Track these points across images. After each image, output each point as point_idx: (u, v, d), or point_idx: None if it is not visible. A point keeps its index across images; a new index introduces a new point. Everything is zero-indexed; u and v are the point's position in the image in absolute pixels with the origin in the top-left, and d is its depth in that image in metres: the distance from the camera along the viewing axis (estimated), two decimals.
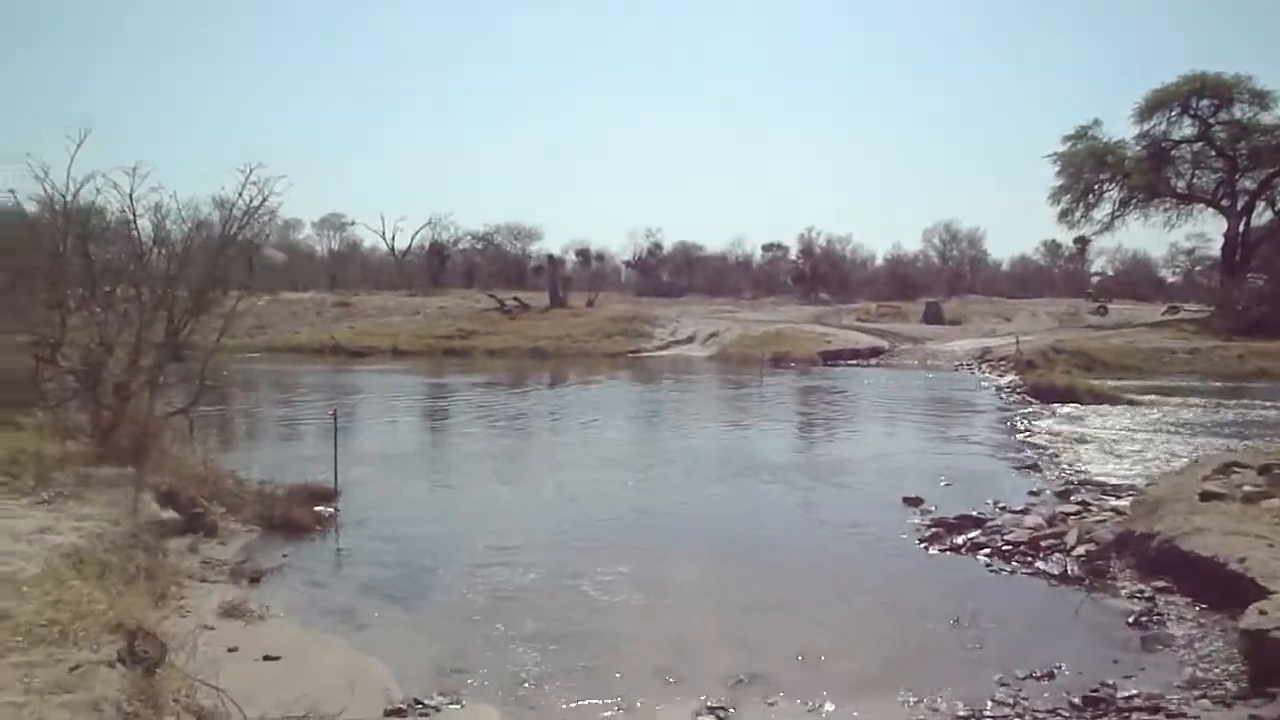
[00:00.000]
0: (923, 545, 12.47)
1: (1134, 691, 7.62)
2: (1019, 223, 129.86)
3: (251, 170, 14.23)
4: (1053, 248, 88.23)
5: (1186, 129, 56.82)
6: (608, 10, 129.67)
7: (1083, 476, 17.15)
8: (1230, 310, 48.72)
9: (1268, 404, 29.05)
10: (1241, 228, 55.83)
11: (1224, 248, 57.61)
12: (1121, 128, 63.39)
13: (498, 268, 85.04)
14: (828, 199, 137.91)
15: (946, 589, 10.58)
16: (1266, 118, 54.90)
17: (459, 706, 7.41)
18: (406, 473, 17.77)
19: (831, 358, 44.36)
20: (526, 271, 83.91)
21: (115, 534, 9.67)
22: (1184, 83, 55.24)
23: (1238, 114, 55.19)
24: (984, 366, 40.47)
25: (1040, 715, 7.31)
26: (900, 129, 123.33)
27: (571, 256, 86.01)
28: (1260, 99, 54.42)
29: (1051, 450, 20.47)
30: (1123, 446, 21.12)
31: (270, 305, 65.88)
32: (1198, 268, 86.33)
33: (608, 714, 7.33)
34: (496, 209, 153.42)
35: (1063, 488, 16.07)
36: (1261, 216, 57.00)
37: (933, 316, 57.63)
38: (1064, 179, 58.74)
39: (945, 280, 79.97)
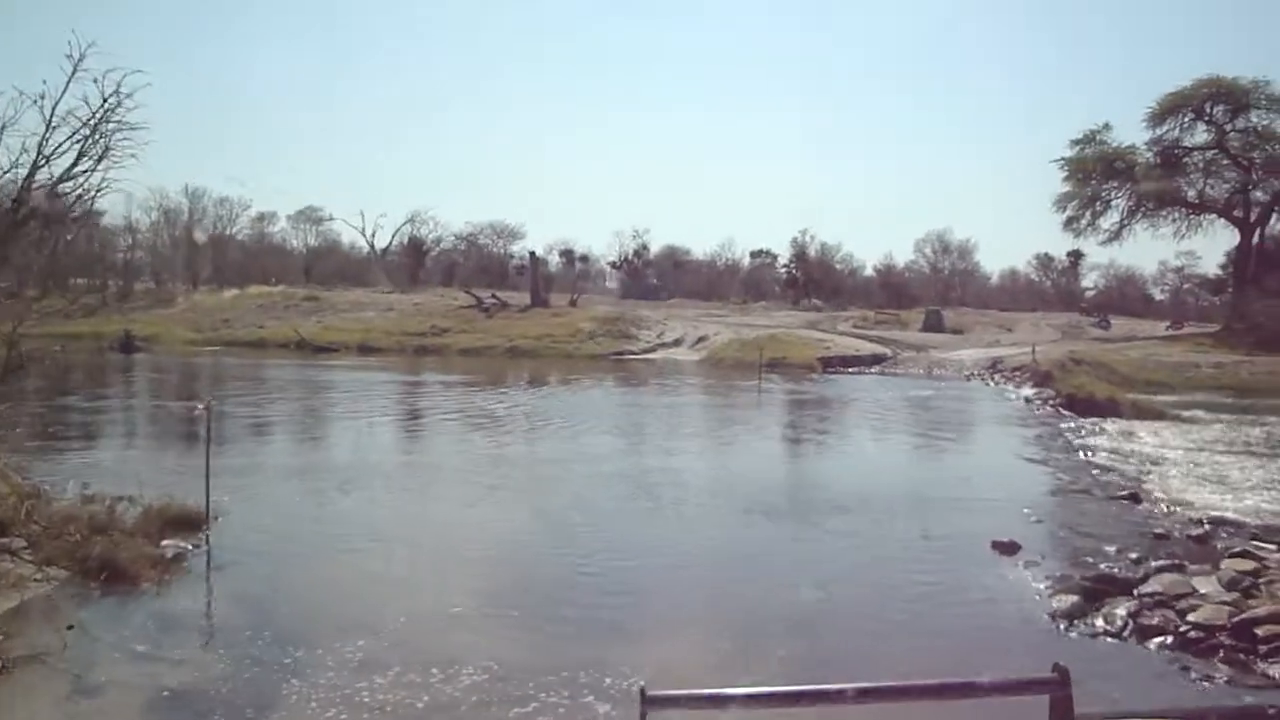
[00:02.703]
0: (1059, 625, 8.05)
1: None
2: (1010, 236, 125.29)
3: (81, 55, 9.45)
4: (1045, 261, 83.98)
5: (1200, 135, 52.59)
6: (598, 8, 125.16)
7: (1200, 511, 12.86)
8: (1245, 325, 44.67)
9: None
10: (1255, 240, 51.74)
11: (1236, 260, 53.43)
12: (1126, 134, 59.43)
13: (479, 267, 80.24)
14: (818, 207, 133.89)
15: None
16: None
17: None
18: (321, 492, 13.21)
19: (831, 364, 40.20)
20: (508, 271, 79.12)
21: None
22: (1199, 86, 51.07)
23: (1254, 120, 51.05)
24: (998, 377, 36.29)
25: None
26: (894, 137, 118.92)
27: (555, 257, 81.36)
28: (1278, 105, 50.26)
29: (1130, 473, 16.31)
30: (1207, 470, 17.26)
31: (237, 299, 61.84)
32: (1186, 285, 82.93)
33: None
34: (480, 207, 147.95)
35: (1188, 527, 11.72)
36: (1275, 228, 52.96)
37: (934, 325, 53.31)
38: (1071, 185, 54.32)
39: (936, 291, 75.72)
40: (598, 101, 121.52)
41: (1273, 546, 10.68)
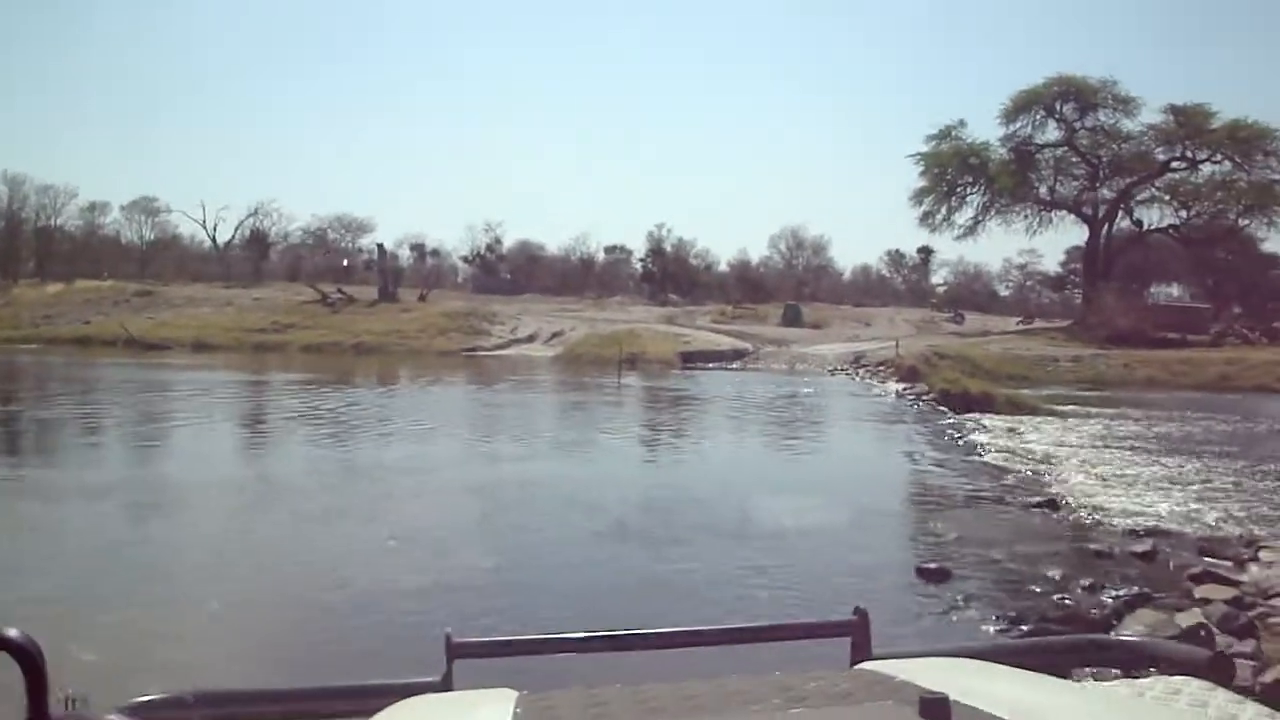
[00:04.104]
0: None
1: None
2: (861, 232, 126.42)
3: None
4: (896, 258, 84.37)
5: (1051, 133, 52.80)
6: (445, 2, 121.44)
7: (1124, 518, 11.22)
8: (1098, 319, 44.74)
9: (1198, 415, 24.90)
10: (1103, 236, 52.20)
11: (1086, 256, 53.82)
12: (980, 130, 59.23)
13: (327, 262, 76.07)
14: (672, 202, 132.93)
15: None
16: (1129, 124, 51.36)
17: None
18: (93, 518, 10.45)
19: (691, 359, 38.49)
20: (357, 265, 75.17)
21: None
22: (1050, 84, 51.21)
23: (1102, 119, 51.44)
24: (862, 372, 35.04)
25: None
26: (747, 133, 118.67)
27: (406, 251, 77.67)
28: (1124, 105, 50.74)
29: (1029, 475, 14.76)
30: (1105, 469, 15.96)
31: (62, 293, 57.04)
32: (1029, 282, 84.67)
33: None
34: (326, 199, 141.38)
35: (1127, 541, 9.98)
36: (1122, 225, 53.57)
37: (792, 319, 52.10)
38: (927, 180, 53.96)
39: (791, 287, 75.05)
40: (449, 95, 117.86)
41: (1228, 563, 9.04)
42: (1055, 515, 11.49)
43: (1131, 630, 6.81)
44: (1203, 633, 7.04)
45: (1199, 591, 7.82)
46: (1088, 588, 8.14)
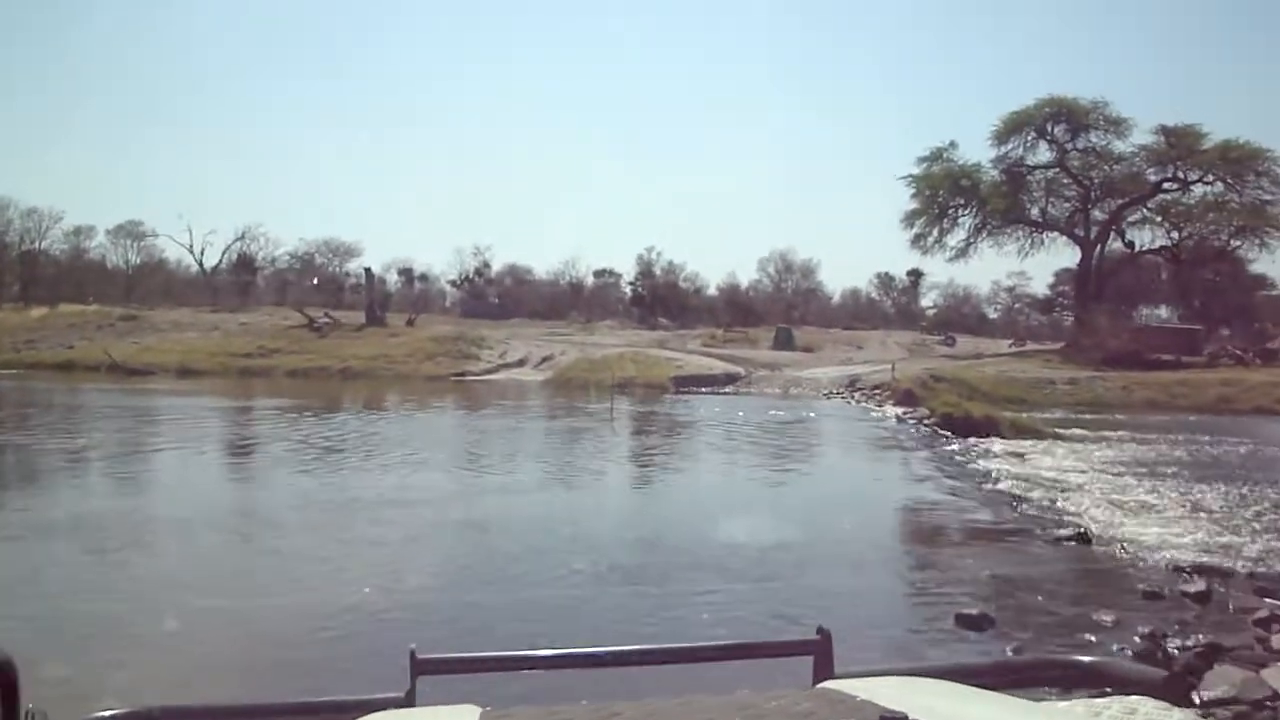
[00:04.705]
0: None
1: None
2: (849, 255, 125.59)
3: None
4: (885, 280, 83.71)
5: (1043, 154, 52.23)
6: (431, 26, 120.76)
7: (1158, 552, 10.46)
8: (1091, 341, 44.10)
9: (1204, 439, 24.25)
10: (1095, 258, 51.64)
11: (1078, 278, 53.17)
12: (971, 152, 58.51)
13: (314, 286, 75.07)
14: (659, 226, 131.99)
15: None
16: (1120, 145, 50.86)
17: None
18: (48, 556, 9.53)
19: (684, 384, 37.58)
20: (345, 289, 74.18)
21: None
22: (1041, 106, 50.73)
23: (1093, 140, 50.94)
24: (858, 395, 34.26)
25: None
26: (734, 156, 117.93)
27: (393, 275, 76.66)
28: (1115, 126, 50.19)
29: (1048, 504, 13.97)
30: (1126, 496, 15.26)
31: (45, 317, 56.04)
32: (1017, 305, 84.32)
33: None
34: (313, 223, 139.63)
35: (1174, 580, 9.16)
36: (1113, 246, 53.00)
37: (784, 343, 51.32)
38: (919, 202, 53.28)
39: (780, 310, 74.30)
40: (436, 119, 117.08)
41: None
42: (1091, 550, 10.66)
43: (1215, 691, 5.98)
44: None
45: (1275, 641, 7.00)
46: (1148, 636, 7.31)
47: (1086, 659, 1.64)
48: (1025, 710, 1.26)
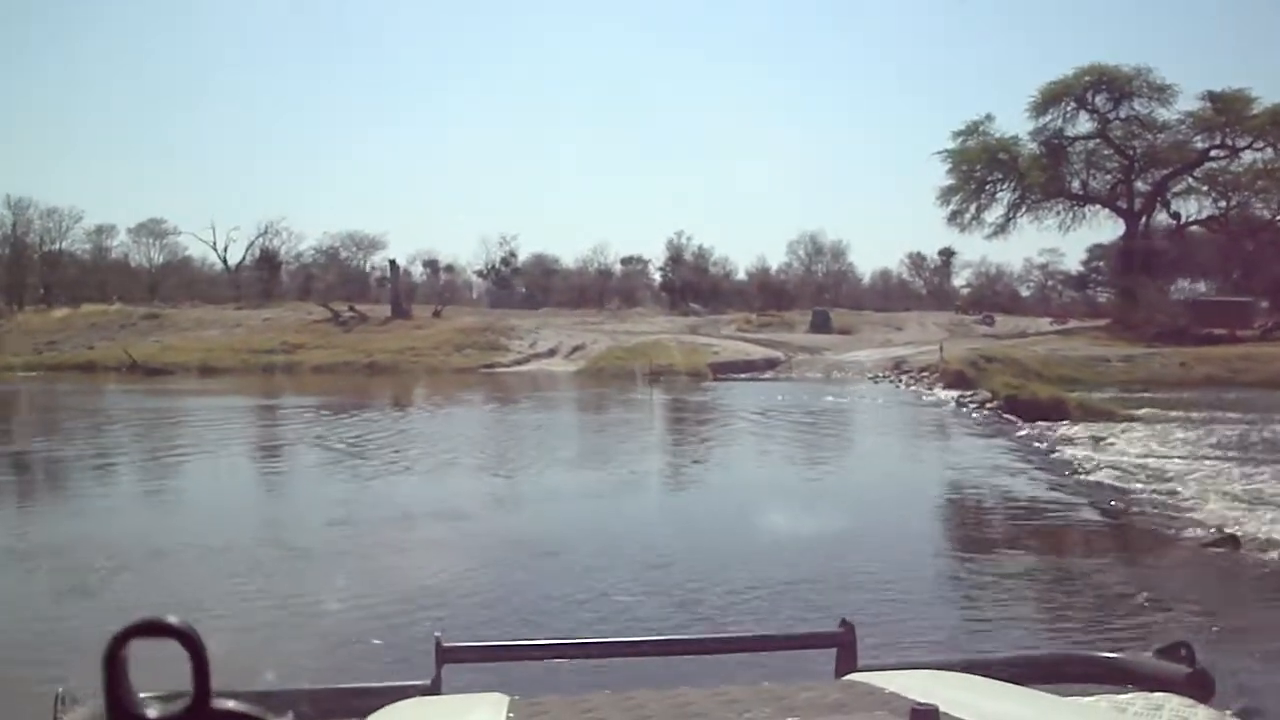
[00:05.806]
0: None
1: None
2: (879, 235, 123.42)
3: None
4: (917, 260, 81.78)
5: (1083, 125, 50.27)
6: (452, 12, 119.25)
7: None
8: (1140, 317, 42.33)
9: None
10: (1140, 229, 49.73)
11: (1123, 251, 51.20)
12: (1008, 124, 56.27)
13: (339, 280, 73.70)
14: (687, 211, 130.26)
15: None
16: (1165, 113, 48.84)
17: None
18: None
19: (723, 370, 36.17)
20: (370, 282, 72.81)
21: None
22: (1080, 75, 48.79)
23: (1136, 108, 48.94)
24: (905, 378, 32.73)
25: None
26: (760, 138, 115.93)
27: (419, 267, 75.25)
28: (1160, 93, 48.18)
29: (1159, 497, 12.42)
30: (1235, 487, 13.42)
31: (68, 318, 55.22)
32: (1050, 282, 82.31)
33: None
34: (337, 216, 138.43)
35: None
36: (1158, 218, 51.02)
37: (821, 325, 49.72)
38: (955, 178, 51.34)
39: (811, 293, 72.63)
40: (458, 109, 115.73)
41: None
42: (1240, 555, 9.05)
43: None
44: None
45: None
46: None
47: (1111, 655, 1.60)
48: (1052, 705, 1.24)
